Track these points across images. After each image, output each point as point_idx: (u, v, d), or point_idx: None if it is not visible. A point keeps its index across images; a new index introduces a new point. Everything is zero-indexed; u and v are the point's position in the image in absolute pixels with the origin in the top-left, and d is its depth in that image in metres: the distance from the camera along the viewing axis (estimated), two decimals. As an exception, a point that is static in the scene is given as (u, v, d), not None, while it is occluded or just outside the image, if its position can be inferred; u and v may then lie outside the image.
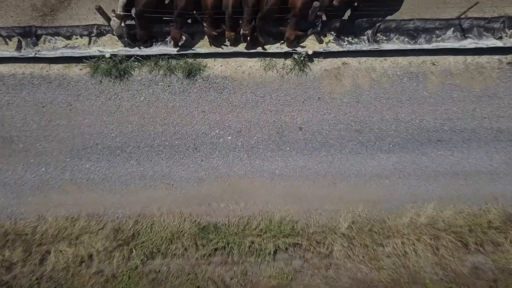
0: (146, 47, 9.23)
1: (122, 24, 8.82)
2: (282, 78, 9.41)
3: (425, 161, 8.97)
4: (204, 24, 8.79)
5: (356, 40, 9.40)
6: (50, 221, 8.54)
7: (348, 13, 9.39)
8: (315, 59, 9.46)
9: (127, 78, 9.43)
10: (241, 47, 9.33)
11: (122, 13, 8.62)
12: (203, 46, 9.46)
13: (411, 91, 9.28)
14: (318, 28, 9.30)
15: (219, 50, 9.22)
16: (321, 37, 9.30)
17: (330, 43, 9.36)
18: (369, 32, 9.37)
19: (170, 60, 9.32)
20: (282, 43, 9.22)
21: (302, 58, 9.16)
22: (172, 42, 9.11)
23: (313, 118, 9.16)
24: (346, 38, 9.40)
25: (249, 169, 8.99)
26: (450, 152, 9.01)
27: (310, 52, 9.15)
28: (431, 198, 8.78)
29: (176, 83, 9.43)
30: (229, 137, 9.07)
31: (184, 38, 8.88)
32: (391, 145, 9.01)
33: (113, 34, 9.24)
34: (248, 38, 8.85)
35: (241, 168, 8.99)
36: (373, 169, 8.93)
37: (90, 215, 8.65)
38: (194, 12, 8.42)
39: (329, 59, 9.53)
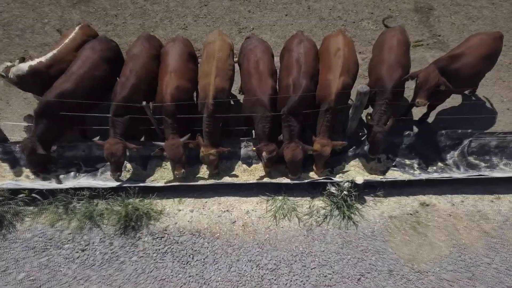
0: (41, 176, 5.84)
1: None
2: (310, 232, 5.56)
3: None
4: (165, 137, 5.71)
5: (435, 166, 6.31)
6: None
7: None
8: (368, 198, 6.02)
9: (3, 234, 5.69)
10: (229, 178, 5.81)
11: (11, 77, 5.77)
12: (160, 177, 6.11)
13: None
14: (366, 147, 6.40)
15: (188, 182, 5.74)
16: (371, 161, 6.25)
17: (389, 170, 6.19)
18: (455, 152, 6.42)
19: (95, 200, 5.84)
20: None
21: (345, 194, 5.72)
22: (110, 166, 5.68)
23: (387, 316, 4.93)
24: (415, 163, 6.35)
25: None
26: None
27: (359, 182, 5.67)
28: None
29: (99, 244, 5.46)
30: None
31: (129, 157, 5.75)
32: None
33: None
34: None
35: None
36: None
37: None
38: (144, 103, 5.41)
39: (394, 198, 6.03)
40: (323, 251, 5.29)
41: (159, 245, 5.36)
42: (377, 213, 5.66)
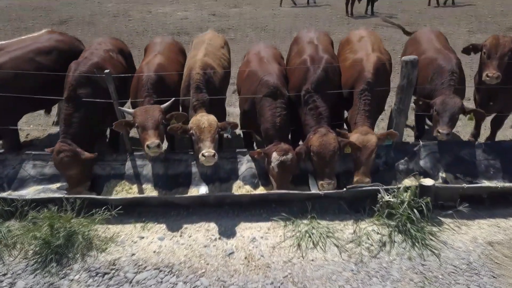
0: None
1: None
2: (362, 266, 3.20)
3: None
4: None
5: None
6: None
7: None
8: (444, 219, 3.74)
9: None
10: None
11: None
12: (123, 188, 4.10)
13: None
14: (422, 161, 4.42)
15: (166, 196, 3.80)
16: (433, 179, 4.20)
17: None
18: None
19: (7, 222, 3.51)
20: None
21: (411, 204, 3.47)
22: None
23: None
24: (499, 183, 4.34)
25: None
26: None
27: (428, 184, 3.53)
28: None
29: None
30: None
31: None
32: None
33: None
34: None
35: None
36: None
37: None
38: (107, 71, 4.12)
39: (484, 220, 3.69)
40: (388, 294, 3.05)
41: (98, 286, 3.12)
42: (467, 239, 3.55)
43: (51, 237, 3.31)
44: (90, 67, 4.20)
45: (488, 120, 5.29)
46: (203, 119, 3.69)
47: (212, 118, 3.75)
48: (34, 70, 4.43)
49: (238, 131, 5.75)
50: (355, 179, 3.83)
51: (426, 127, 5.52)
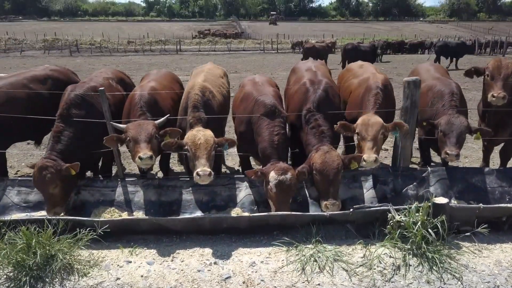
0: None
1: None
2: None
3: None
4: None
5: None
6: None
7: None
8: (462, 243, 3.30)
9: None
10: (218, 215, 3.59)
11: None
12: (112, 216, 3.72)
13: None
14: (432, 187, 4.12)
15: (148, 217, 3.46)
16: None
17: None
18: None
19: None
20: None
21: (424, 222, 3.14)
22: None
23: None
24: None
25: None
26: None
27: (442, 202, 3.24)
28: None
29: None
30: None
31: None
32: None
33: None
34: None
35: None
36: None
37: None
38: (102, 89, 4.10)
39: (506, 244, 3.36)
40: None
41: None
42: (490, 262, 3.19)
43: (26, 255, 2.98)
44: (86, 90, 4.17)
45: (496, 157, 5.17)
46: (199, 134, 3.55)
47: (208, 133, 3.61)
48: (26, 95, 4.42)
49: (238, 167, 5.64)
50: (363, 156, 3.62)
51: (433, 163, 5.38)
